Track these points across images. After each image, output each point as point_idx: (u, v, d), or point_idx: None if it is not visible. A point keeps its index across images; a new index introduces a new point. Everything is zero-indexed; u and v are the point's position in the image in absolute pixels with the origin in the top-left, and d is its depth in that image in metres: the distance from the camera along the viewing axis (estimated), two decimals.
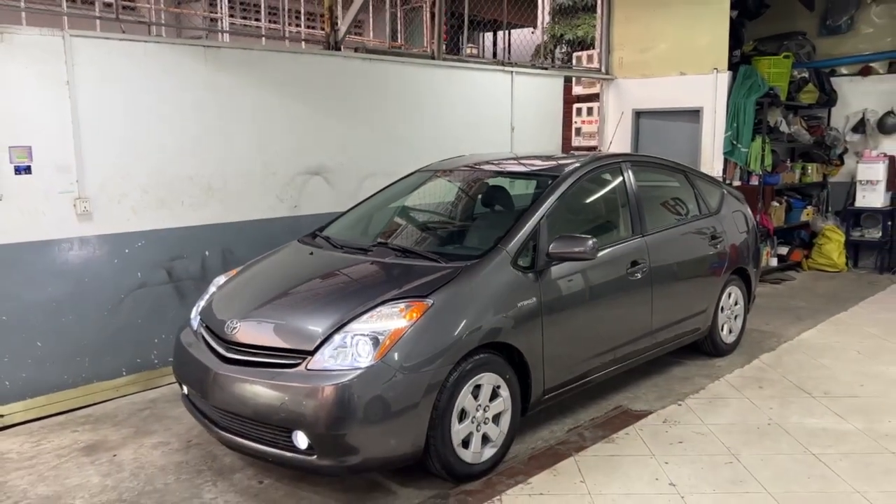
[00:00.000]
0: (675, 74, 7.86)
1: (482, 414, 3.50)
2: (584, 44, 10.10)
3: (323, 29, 6.12)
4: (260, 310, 3.61)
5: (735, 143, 7.56)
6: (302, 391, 3.12)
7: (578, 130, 8.80)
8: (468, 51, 7.58)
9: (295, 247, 4.39)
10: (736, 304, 5.42)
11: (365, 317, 3.30)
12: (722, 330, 5.29)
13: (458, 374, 3.34)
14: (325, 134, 5.73)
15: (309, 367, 3.19)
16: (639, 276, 4.39)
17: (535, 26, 11.55)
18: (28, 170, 4.26)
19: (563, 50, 11.52)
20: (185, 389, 3.73)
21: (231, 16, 7.97)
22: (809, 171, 8.63)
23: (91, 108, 4.47)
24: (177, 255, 4.97)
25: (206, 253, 5.12)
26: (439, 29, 6.70)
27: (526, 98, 7.34)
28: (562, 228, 4.01)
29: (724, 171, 7.67)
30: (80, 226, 4.50)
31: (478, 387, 3.46)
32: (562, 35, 11.67)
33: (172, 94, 4.83)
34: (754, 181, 7.81)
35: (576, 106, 8.82)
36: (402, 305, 3.34)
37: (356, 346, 3.19)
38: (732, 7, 7.65)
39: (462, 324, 3.38)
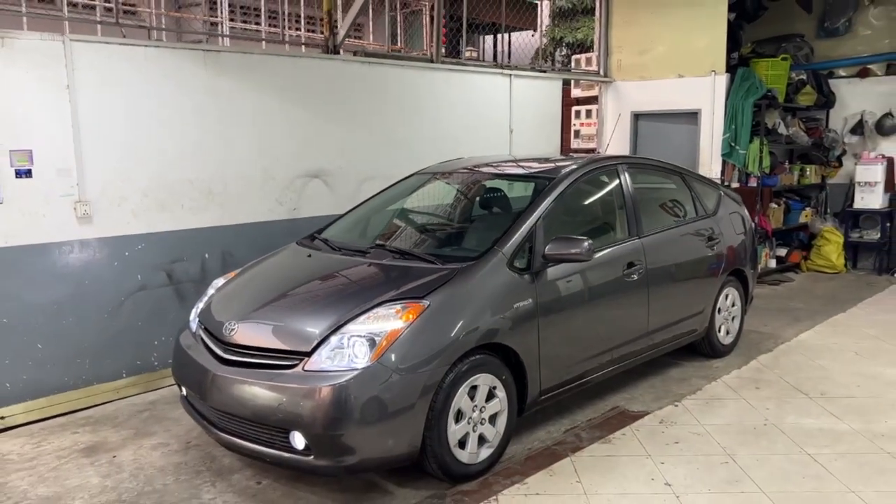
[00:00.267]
0: (673, 77, 7.90)
1: (478, 415, 3.53)
2: (584, 46, 10.15)
3: (322, 33, 6.16)
4: (258, 312, 3.64)
5: (733, 144, 7.58)
6: (299, 392, 3.15)
7: (577, 133, 8.83)
8: (468, 54, 7.61)
9: (293, 249, 4.42)
10: (733, 305, 5.43)
11: (362, 318, 3.32)
12: (719, 331, 5.31)
13: (455, 375, 3.36)
14: (325, 137, 5.77)
15: (306, 368, 3.22)
16: (635, 277, 4.42)
17: (535, 29, 11.57)
18: (29, 173, 4.30)
19: (563, 53, 11.57)
20: (184, 391, 3.76)
21: (231, 20, 8.02)
22: (808, 172, 8.65)
23: (91, 111, 4.51)
24: (177, 257, 5.00)
25: (206, 255, 5.15)
26: (438, 32, 6.73)
27: (524, 101, 7.38)
28: (558, 230, 4.03)
29: (723, 172, 7.69)
30: (80, 229, 4.54)
31: (474, 388, 3.48)
32: (562, 38, 11.72)
33: (172, 98, 4.87)
34: (753, 183, 7.84)
35: (575, 108, 8.85)
36: (398, 307, 3.37)
37: (353, 348, 3.22)
38: (730, 9, 7.68)
39: (458, 325, 3.41)
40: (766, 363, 5.20)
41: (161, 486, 3.58)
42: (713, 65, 7.59)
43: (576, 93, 9.01)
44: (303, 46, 6.85)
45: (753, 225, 5.96)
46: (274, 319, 3.56)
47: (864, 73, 8.63)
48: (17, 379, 4.39)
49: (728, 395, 4.60)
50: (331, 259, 4.12)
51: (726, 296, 5.33)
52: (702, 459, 3.71)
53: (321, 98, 5.71)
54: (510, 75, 7.23)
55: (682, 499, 3.33)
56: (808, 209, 8.77)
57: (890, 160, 8.35)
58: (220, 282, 4.24)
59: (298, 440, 3.17)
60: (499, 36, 12.83)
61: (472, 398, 3.48)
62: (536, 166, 4.84)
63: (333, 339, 3.26)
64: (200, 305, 4.02)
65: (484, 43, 12.95)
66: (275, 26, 6.40)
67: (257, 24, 7.25)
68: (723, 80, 7.56)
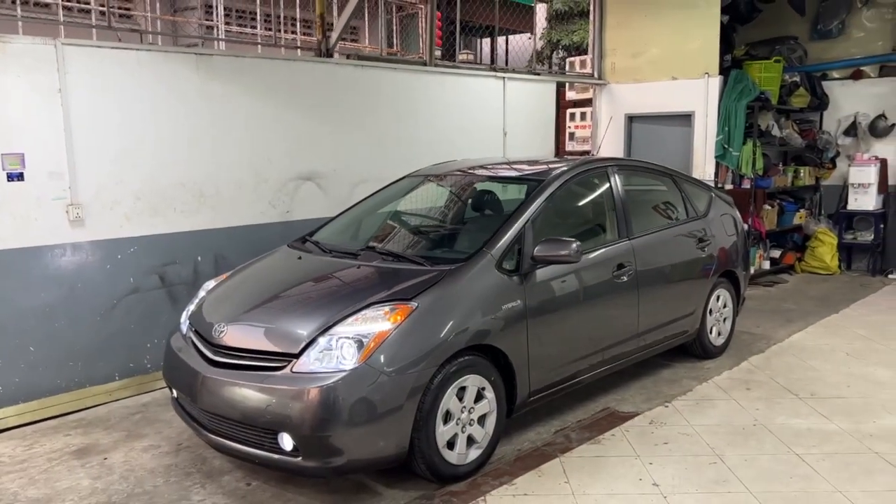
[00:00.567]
0: (666, 79, 7.92)
1: (467, 416, 3.54)
2: (581, 49, 10.17)
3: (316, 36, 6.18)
4: (247, 314, 3.66)
5: (727, 146, 7.60)
6: (287, 393, 3.16)
7: (572, 135, 8.87)
8: (463, 56, 7.64)
9: (284, 251, 4.44)
10: (724, 306, 5.45)
11: (350, 320, 3.34)
12: (710, 332, 5.32)
13: (443, 377, 3.38)
14: (318, 140, 5.79)
15: (294, 369, 3.23)
16: (625, 278, 4.43)
17: (532, 32, 11.62)
18: (20, 177, 4.31)
19: (559, 55, 11.61)
20: (175, 393, 3.78)
21: (227, 23, 8.03)
22: (802, 174, 8.67)
23: (84, 115, 4.53)
24: (169, 260, 5.02)
25: (199, 258, 5.17)
26: (431, 35, 6.76)
27: (518, 103, 7.40)
28: (548, 232, 4.05)
29: (716, 174, 7.71)
30: (72, 232, 4.56)
31: (463, 389, 3.50)
32: (558, 41, 11.75)
33: (165, 101, 4.89)
34: (746, 185, 7.86)
35: (569, 111, 8.89)
36: (386, 308, 3.38)
37: (341, 349, 3.24)
38: (723, 12, 7.71)
39: (446, 326, 3.43)
40: (757, 364, 5.22)
41: (151, 488, 3.59)
42: (706, 67, 7.61)
43: (570, 95, 9.04)
44: (298, 50, 6.87)
45: (745, 227, 5.98)
46: (263, 321, 3.58)
47: (857, 75, 8.65)
48: (10, 381, 4.40)
49: (718, 395, 4.62)
50: (321, 261, 4.13)
51: (717, 297, 5.35)
52: (690, 460, 3.72)
53: (314, 101, 5.73)
54: (504, 78, 7.25)
55: (670, 499, 3.34)
56: (802, 211, 8.79)
57: (883, 162, 8.37)
58: (210, 284, 4.26)
59: (287, 441, 3.19)
60: (495, 39, 12.87)
61: (460, 399, 3.50)
62: (528, 168, 4.86)
63: (322, 341, 3.28)
64: (191, 308, 4.04)
65: (481, 46, 12.98)
66: (270, 30, 6.42)
67: (253, 27, 7.26)
68: (716, 82, 7.58)
